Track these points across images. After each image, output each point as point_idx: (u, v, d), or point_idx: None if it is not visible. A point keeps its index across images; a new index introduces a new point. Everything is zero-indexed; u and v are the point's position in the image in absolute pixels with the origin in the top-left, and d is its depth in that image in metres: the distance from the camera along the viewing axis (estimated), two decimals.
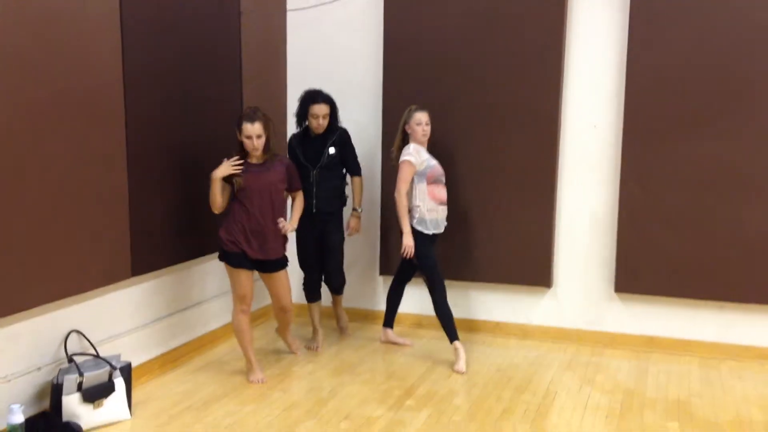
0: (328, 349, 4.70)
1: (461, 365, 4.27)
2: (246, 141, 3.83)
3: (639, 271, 4.67)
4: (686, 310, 4.67)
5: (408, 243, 4.28)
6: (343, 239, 4.66)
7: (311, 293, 4.76)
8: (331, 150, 4.47)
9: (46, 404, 3.40)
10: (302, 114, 4.45)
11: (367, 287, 5.34)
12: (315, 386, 4.06)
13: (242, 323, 4.02)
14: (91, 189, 3.58)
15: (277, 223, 3.95)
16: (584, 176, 4.82)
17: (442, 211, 4.41)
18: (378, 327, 4.99)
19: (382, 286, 5.25)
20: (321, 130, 4.44)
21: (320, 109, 4.37)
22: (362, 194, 4.65)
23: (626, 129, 4.62)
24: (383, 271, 5.22)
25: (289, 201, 4.28)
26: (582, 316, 4.91)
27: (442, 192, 4.39)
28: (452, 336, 4.35)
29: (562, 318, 4.96)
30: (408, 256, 4.31)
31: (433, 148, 4.55)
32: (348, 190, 4.66)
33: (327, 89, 4.53)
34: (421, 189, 4.31)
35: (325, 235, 4.58)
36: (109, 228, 3.71)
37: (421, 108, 4.37)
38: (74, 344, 3.57)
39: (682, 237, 4.54)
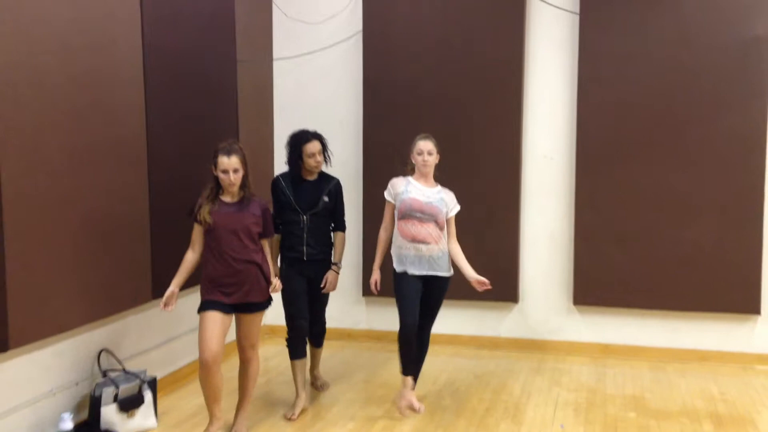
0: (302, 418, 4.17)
1: (401, 403, 4.07)
2: (222, 176, 3.57)
3: (594, 285, 5.31)
4: (636, 319, 5.33)
5: (372, 278, 4.22)
6: (328, 297, 4.43)
7: (297, 349, 4.27)
8: (326, 198, 4.25)
9: (83, 415, 3.77)
10: (295, 157, 4.21)
11: (350, 308, 5.83)
12: None
13: (208, 376, 3.55)
14: (118, 224, 4.01)
15: (254, 264, 3.64)
16: (543, 201, 5.46)
17: (416, 249, 4.02)
18: (359, 346, 5.55)
19: (365, 306, 5.77)
20: (319, 169, 4.27)
21: (314, 146, 4.19)
22: (343, 251, 4.41)
23: (578, 159, 5.30)
24: (366, 293, 5.74)
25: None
26: (545, 327, 5.52)
27: (414, 228, 4.01)
28: (404, 368, 4.10)
29: (528, 329, 5.56)
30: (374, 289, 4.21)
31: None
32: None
33: (311, 128, 4.50)
34: (397, 225, 4.12)
35: (314, 281, 4.27)
36: (134, 257, 4.14)
37: (427, 135, 4.15)
38: (103, 361, 3.96)
39: (631, 254, 5.22)
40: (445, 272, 4.10)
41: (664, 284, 5.16)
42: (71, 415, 3.53)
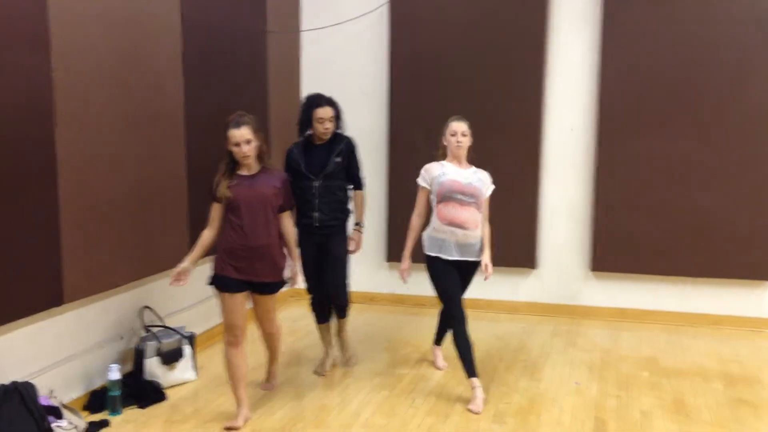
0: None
1: (475, 405, 3.79)
2: (234, 149, 3.44)
3: (611, 252, 5.48)
4: (651, 285, 5.50)
5: (401, 266, 4.11)
6: (347, 252, 4.27)
7: (320, 314, 4.39)
8: (338, 159, 4.12)
9: (127, 367, 4.04)
10: (306, 120, 4.12)
11: (374, 273, 6.05)
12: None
13: (231, 357, 3.55)
14: (159, 189, 4.24)
15: (271, 242, 3.54)
16: (564, 171, 5.61)
17: (453, 233, 3.88)
18: (381, 309, 5.79)
19: (388, 270, 5.99)
20: (328, 135, 4.11)
21: (325, 112, 4.05)
22: (364, 210, 4.34)
23: (600, 130, 5.43)
24: (390, 258, 5.95)
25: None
26: (563, 292, 5.71)
27: (454, 211, 3.88)
28: (468, 371, 3.88)
29: (545, 294, 5.75)
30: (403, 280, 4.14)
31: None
32: (351, 205, 4.31)
33: (336, 98, 4.39)
34: (433, 209, 3.99)
35: (327, 248, 4.18)
36: (173, 220, 4.38)
37: (459, 117, 4.04)
38: (146, 317, 4.22)
39: (647, 222, 5.37)
40: (477, 257, 3.98)
41: (678, 251, 5.32)
42: (119, 366, 3.78)
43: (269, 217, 3.52)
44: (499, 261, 5.65)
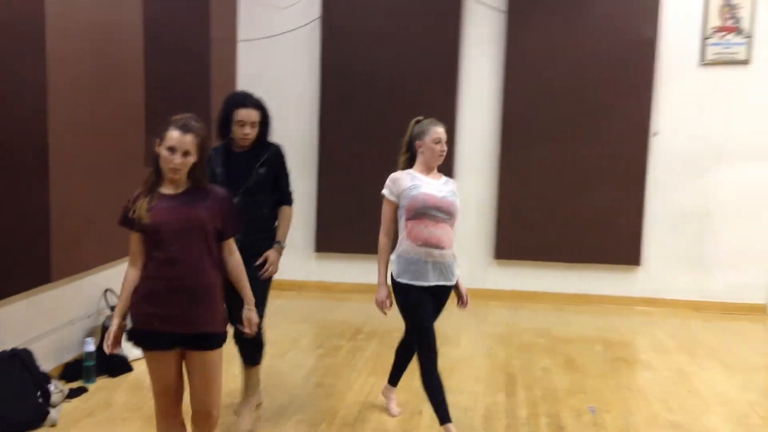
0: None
1: None
2: (165, 154, 2.60)
3: (511, 242, 6.38)
4: (544, 270, 6.43)
5: (377, 297, 3.46)
6: (269, 285, 3.55)
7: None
8: (262, 169, 3.48)
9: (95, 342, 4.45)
10: (225, 120, 3.44)
11: (303, 263, 6.65)
12: None
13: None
14: (124, 182, 4.66)
15: (208, 279, 2.65)
16: (473, 172, 6.44)
17: (429, 255, 3.30)
18: (311, 296, 6.32)
19: (316, 261, 6.61)
20: (247, 143, 3.44)
21: (248, 115, 3.38)
22: (289, 228, 3.66)
23: (503, 137, 6.31)
24: (318, 249, 6.57)
25: None
26: (471, 278, 6.52)
27: (428, 230, 3.31)
28: (442, 416, 3.30)
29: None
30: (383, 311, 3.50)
31: (373, 159, 6.00)
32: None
33: (268, 102, 4.09)
34: (401, 226, 3.40)
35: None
36: None
37: (436, 120, 3.49)
38: (110, 298, 4.63)
39: (541, 216, 6.30)
40: (453, 280, 3.45)
41: (565, 241, 6.29)
42: (94, 340, 4.21)
43: (206, 246, 2.65)
44: None
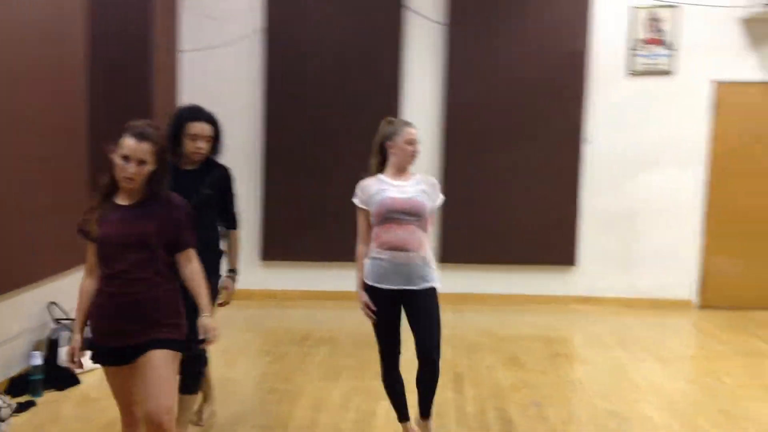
0: None
1: None
2: (120, 163, 2.55)
3: (455, 246, 6.56)
4: (485, 272, 6.65)
5: (361, 301, 3.36)
6: (214, 305, 3.36)
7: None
8: (209, 190, 3.39)
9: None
10: (175, 134, 3.32)
11: (249, 271, 6.65)
12: None
13: None
14: (61, 195, 4.59)
15: (156, 291, 2.59)
16: None
17: (393, 258, 3.24)
18: (257, 305, 6.32)
19: (261, 269, 6.64)
20: (199, 157, 3.36)
21: (202, 129, 3.31)
22: (239, 253, 3.64)
23: (447, 144, 6.50)
24: (265, 257, 6.61)
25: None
26: None
27: (393, 234, 3.25)
28: (399, 414, 3.51)
29: None
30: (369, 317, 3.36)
31: (318, 167, 6.09)
32: (223, 246, 3.58)
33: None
34: (373, 233, 3.35)
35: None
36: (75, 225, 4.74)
37: (408, 121, 3.45)
38: (53, 312, 4.56)
39: (486, 221, 6.51)
40: (426, 283, 3.30)
41: (508, 244, 6.52)
42: (41, 353, 4.14)
43: (155, 260, 2.58)
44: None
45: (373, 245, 3.34)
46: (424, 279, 3.31)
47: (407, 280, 3.27)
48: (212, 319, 2.73)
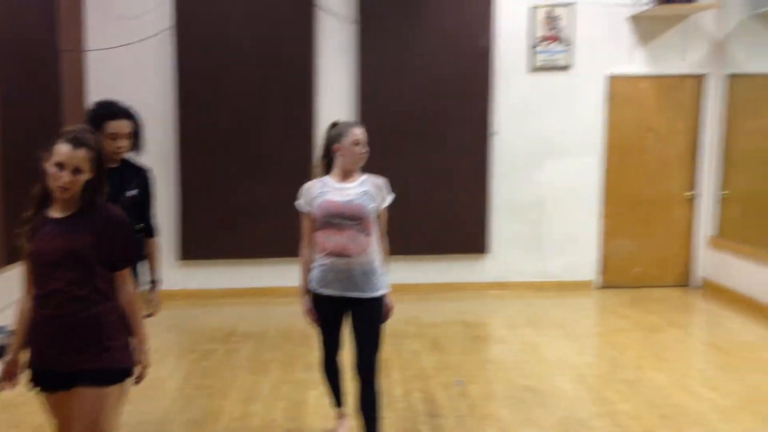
0: None
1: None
2: (53, 171, 2.38)
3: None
4: (409, 263, 6.86)
5: (303, 308, 3.38)
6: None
7: None
8: (133, 191, 3.29)
9: None
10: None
11: (168, 271, 6.57)
12: None
13: None
14: None
15: (97, 312, 2.43)
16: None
17: (333, 264, 3.20)
18: (177, 305, 6.27)
19: (179, 270, 6.59)
20: (120, 156, 3.26)
21: (121, 127, 3.20)
22: (160, 262, 3.60)
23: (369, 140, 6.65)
24: (183, 257, 6.56)
25: None
26: None
27: (332, 239, 3.20)
28: (336, 401, 3.61)
29: None
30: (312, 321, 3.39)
31: (235, 165, 6.10)
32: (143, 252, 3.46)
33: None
34: (315, 237, 3.30)
35: None
36: None
37: (358, 123, 3.44)
38: None
39: (402, 213, 6.68)
40: (371, 292, 3.24)
41: (425, 235, 6.75)
42: None
43: (90, 277, 2.42)
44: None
45: (316, 251, 3.28)
46: (369, 286, 3.23)
47: (350, 288, 3.21)
48: (147, 355, 2.59)
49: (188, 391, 4.29)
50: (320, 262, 3.25)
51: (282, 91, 6.50)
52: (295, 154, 6.50)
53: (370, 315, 3.28)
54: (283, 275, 6.59)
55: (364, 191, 3.28)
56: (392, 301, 3.42)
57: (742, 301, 6.19)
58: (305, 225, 3.34)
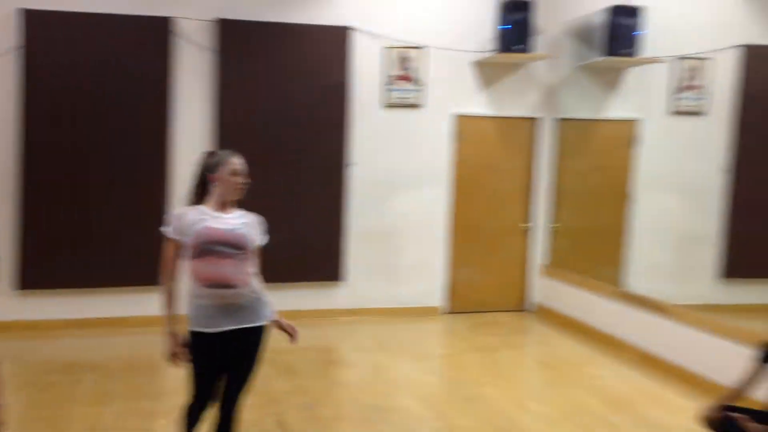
0: None
1: None
2: None
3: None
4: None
5: (169, 348, 3.12)
6: None
7: None
8: None
9: None
10: None
11: (2, 301, 6.21)
12: None
13: None
14: None
15: None
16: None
17: (218, 296, 3.04)
18: (14, 337, 5.95)
19: (17, 299, 6.23)
20: None
21: None
22: None
23: None
24: (23, 286, 6.21)
25: None
26: None
27: (213, 268, 3.04)
28: None
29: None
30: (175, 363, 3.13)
31: (84, 190, 5.89)
32: None
33: None
34: (190, 267, 3.10)
35: None
36: None
37: (234, 151, 3.31)
38: None
39: None
40: (260, 321, 3.20)
41: (273, 262, 6.84)
42: None
43: None
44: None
45: (192, 282, 3.07)
46: (257, 316, 3.17)
47: (239, 319, 3.08)
48: (4, 411, 2.42)
49: (26, 424, 4.11)
50: (200, 294, 3.04)
51: (135, 117, 6.40)
52: (145, 180, 6.42)
53: (256, 345, 3.19)
54: (130, 305, 6.47)
55: (245, 222, 3.21)
56: (291, 324, 3.39)
57: (570, 324, 6.84)
58: (170, 253, 3.12)
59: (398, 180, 7.22)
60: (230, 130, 6.67)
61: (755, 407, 4.24)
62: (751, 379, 4.43)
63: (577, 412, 4.62)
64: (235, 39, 6.66)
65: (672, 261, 7.39)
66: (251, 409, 4.43)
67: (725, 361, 4.69)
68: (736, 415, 4.17)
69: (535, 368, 5.80)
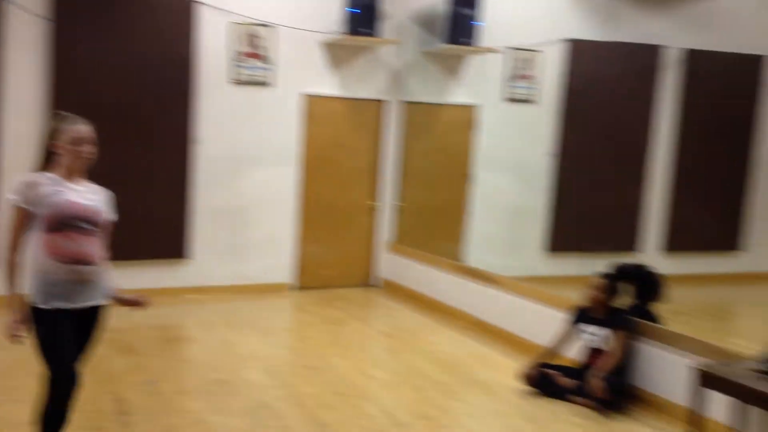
0: None
1: None
2: None
3: None
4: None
5: (12, 320, 2.89)
6: None
7: None
8: None
9: None
10: None
11: None
12: None
13: None
14: None
15: None
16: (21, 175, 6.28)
17: (75, 273, 2.92)
18: None
19: None
20: None
21: None
22: None
23: None
24: None
25: None
26: None
27: (74, 244, 2.92)
28: None
29: None
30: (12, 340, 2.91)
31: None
32: None
33: None
34: (38, 240, 2.91)
35: None
36: None
37: (80, 119, 3.08)
38: None
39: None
40: (104, 299, 3.13)
41: (123, 240, 6.61)
42: None
43: None
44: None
45: (43, 256, 2.89)
46: (103, 294, 3.11)
47: (90, 297, 3.01)
48: None
49: None
50: (51, 270, 2.88)
51: None
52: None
53: (98, 324, 3.13)
54: None
55: (101, 198, 3.13)
56: (140, 296, 3.36)
57: (413, 297, 7.20)
58: (19, 224, 2.91)
59: (247, 157, 7.21)
60: (66, 104, 6.31)
61: (567, 364, 4.79)
62: (563, 339, 4.98)
63: (413, 375, 4.93)
64: (72, 7, 6.31)
65: (505, 236, 7.99)
66: (87, 387, 4.29)
67: (546, 326, 5.20)
68: (550, 371, 4.69)
69: (378, 338, 6.08)
